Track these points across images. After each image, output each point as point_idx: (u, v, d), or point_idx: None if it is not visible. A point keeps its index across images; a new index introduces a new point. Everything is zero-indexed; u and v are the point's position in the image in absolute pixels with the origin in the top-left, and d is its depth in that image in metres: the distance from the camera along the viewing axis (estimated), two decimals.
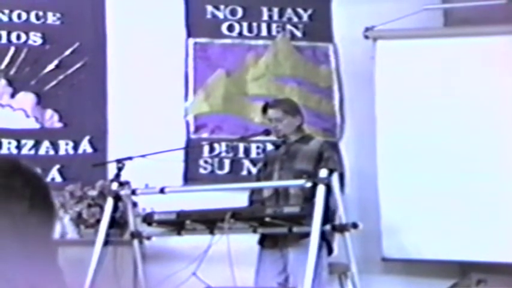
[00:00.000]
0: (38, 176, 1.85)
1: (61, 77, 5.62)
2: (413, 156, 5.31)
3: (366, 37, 5.50)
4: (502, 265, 5.09)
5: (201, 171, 5.64)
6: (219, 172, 5.66)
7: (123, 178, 4.73)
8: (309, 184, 4.26)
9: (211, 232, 4.48)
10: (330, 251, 4.57)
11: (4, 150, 5.46)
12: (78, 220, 5.23)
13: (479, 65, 5.25)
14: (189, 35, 5.76)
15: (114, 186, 4.72)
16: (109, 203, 4.70)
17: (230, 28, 5.83)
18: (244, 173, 5.67)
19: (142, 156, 4.71)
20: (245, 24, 5.83)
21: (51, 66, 5.62)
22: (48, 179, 5.34)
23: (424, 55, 5.38)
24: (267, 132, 4.90)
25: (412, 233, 5.24)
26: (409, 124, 5.36)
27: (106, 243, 4.63)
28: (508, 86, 5.19)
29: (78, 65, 5.64)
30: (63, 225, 5.17)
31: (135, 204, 4.92)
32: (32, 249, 1.73)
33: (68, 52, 5.66)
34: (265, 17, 5.86)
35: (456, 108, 5.26)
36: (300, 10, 5.88)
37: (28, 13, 5.68)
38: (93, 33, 5.67)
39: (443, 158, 5.24)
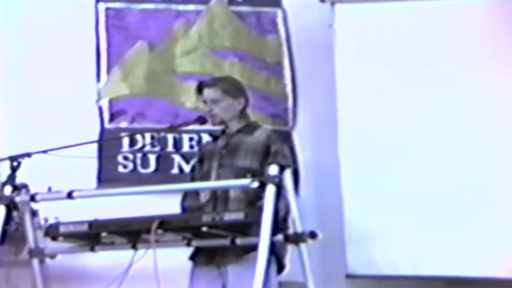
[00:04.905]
0: None
1: None
2: (385, 149, 5.21)
3: (322, 0, 5.44)
4: (494, 280, 5.07)
5: (120, 169, 5.53)
6: (142, 171, 5.54)
7: (18, 180, 4.54)
8: (255, 184, 4.13)
9: (134, 246, 4.38)
10: (281, 268, 4.45)
11: None
12: None
13: (471, 36, 5.18)
14: None
15: (7, 190, 4.51)
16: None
17: None
18: (175, 171, 5.56)
19: (44, 152, 4.53)
20: None
21: None
22: None
23: (397, 23, 5.32)
24: (202, 120, 4.69)
25: (383, 244, 5.16)
26: (379, 108, 5.26)
27: None
28: (507, 64, 5.09)
29: None
30: None
31: (34, 214, 4.72)
32: None
33: None
34: None
35: (439, 87, 5.18)
36: None
37: None
38: None
39: (422, 151, 5.15)
